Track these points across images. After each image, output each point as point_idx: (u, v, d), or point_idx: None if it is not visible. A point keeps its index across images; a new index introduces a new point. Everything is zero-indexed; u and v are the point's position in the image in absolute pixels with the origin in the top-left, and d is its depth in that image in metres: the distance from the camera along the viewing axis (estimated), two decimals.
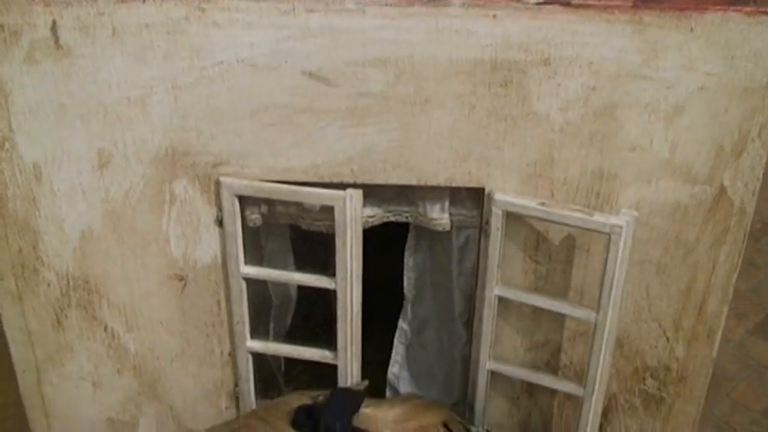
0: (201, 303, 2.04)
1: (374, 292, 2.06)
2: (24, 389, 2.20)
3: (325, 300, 2.15)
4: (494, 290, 1.95)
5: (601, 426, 2.15)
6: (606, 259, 1.83)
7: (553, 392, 2.15)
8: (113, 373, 2.15)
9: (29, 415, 2.25)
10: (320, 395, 1.89)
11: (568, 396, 2.13)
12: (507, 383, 2.14)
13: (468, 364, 2.15)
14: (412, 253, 2.15)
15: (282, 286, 2.24)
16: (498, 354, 2.07)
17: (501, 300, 1.98)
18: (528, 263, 1.97)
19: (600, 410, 2.05)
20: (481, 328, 2.01)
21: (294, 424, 1.81)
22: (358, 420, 1.82)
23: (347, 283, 1.93)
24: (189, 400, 2.18)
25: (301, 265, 2.21)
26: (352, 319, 1.97)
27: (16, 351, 2.14)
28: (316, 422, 1.79)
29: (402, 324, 2.25)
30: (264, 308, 2.25)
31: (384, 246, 2.14)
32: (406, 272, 2.16)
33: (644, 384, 2.11)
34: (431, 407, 1.94)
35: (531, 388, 2.14)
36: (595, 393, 1.98)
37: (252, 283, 2.05)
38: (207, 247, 1.97)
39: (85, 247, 1.98)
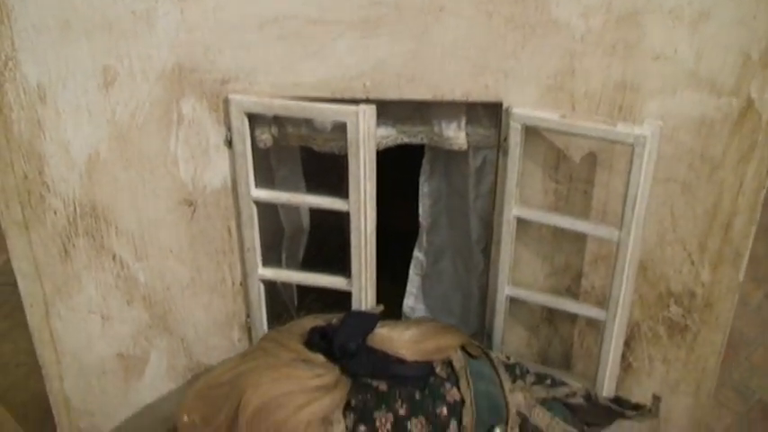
0: (211, 230, 1.99)
1: (387, 232, 2.02)
2: (33, 324, 2.16)
3: (339, 231, 2.09)
4: (512, 210, 1.89)
5: (623, 355, 2.09)
6: (630, 173, 1.76)
7: (574, 320, 2.09)
8: (123, 305, 2.10)
9: (38, 352, 2.20)
10: (334, 318, 1.84)
11: (590, 324, 2.07)
12: (526, 311, 2.08)
13: (485, 293, 2.09)
14: (427, 178, 2.09)
15: (294, 216, 2.19)
16: (517, 279, 2.01)
17: (520, 222, 1.92)
18: (548, 183, 1.90)
19: (622, 337, 1.99)
20: (499, 253, 1.95)
21: (308, 344, 1.75)
22: (373, 340, 1.76)
23: (360, 204, 1.87)
24: (200, 332, 2.13)
25: (313, 192, 2.15)
26: (366, 243, 1.91)
27: (24, 284, 2.09)
28: (330, 342, 1.73)
29: (417, 254, 2.19)
30: (276, 239, 2.20)
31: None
32: (421, 198, 2.10)
33: (668, 311, 2.05)
34: (449, 329, 1.88)
35: (551, 316, 2.08)
36: (618, 317, 1.91)
37: (263, 210, 1.99)
38: (216, 170, 1.92)
39: (92, 172, 1.93)
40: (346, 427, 1.66)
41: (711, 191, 1.88)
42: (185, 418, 1.72)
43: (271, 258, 2.13)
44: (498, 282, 1.98)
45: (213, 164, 1.90)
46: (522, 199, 1.90)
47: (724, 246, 1.95)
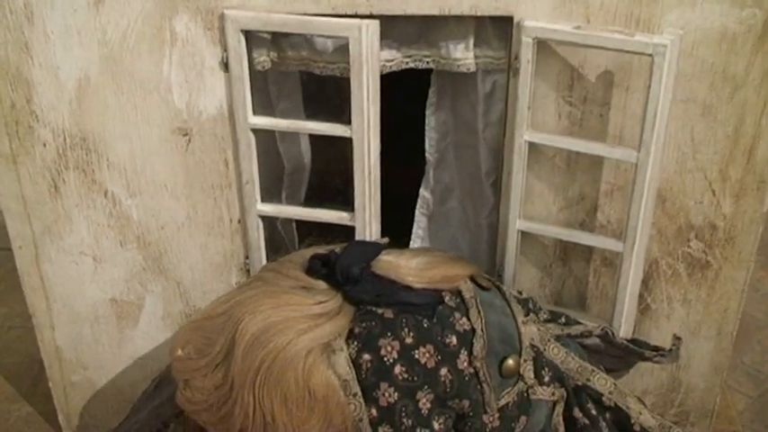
0: (208, 162, 1.89)
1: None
2: (22, 268, 2.06)
3: (342, 169, 2.00)
4: (524, 135, 1.79)
5: (641, 296, 1.99)
6: (649, 88, 1.66)
7: (588, 259, 1.99)
8: (116, 246, 2.01)
9: (28, 300, 2.11)
10: (337, 247, 1.73)
11: (605, 262, 1.97)
12: (539, 249, 1.98)
13: (495, 231, 1.99)
14: (434, 111, 1.99)
15: (295, 151, 2.09)
16: (529, 213, 1.91)
17: (532, 149, 1.82)
18: (561, 105, 1.81)
19: (640, 273, 1.89)
20: (510, 184, 1.85)
21: (308, 272, 1.65)
22: (378, 267, 1.65)
23: (364, 129, 1.77)
24: (197, 275, 2.03)
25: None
26: (370, 172, 1.82)
27: (12, 224, 2.00)
28: (332, 268, 1.63)
29: (424, 192, 2.09)
30: (277, 178, 2.10)
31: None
32: (427, 132, 2.01)
33: (688, 247, 1.95)
34: (458, 260, 1.77)
35: (564, 254, 1.98)
36: (636, 249, 1.81)
37: (262, 145, 1.90)
38: (212, 96, 1.82)
39: (82, 99, 1.84)
40: (349, 355, 1.56)
41: (733, 112, 1.79)
42: (179, 352, 1.61)
43: (271, 198, 2.03)
44: (509, 215, 1.88)
45: (209, 88, 1.81)
46: (534, 124, 1.80)
47: (746, 174, 1.85)
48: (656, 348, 1.91)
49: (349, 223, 1.89)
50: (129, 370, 2.17)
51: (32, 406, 2.46)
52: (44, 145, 1.89)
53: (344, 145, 1.85)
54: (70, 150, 1.89)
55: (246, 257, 1.99)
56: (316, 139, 2.08)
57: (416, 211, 2.12)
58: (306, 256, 1.69)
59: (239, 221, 1.95)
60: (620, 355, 1.90)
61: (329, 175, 2.23)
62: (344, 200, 1.93)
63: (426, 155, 2.03)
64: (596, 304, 2.01)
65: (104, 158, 1.90)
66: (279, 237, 2.15)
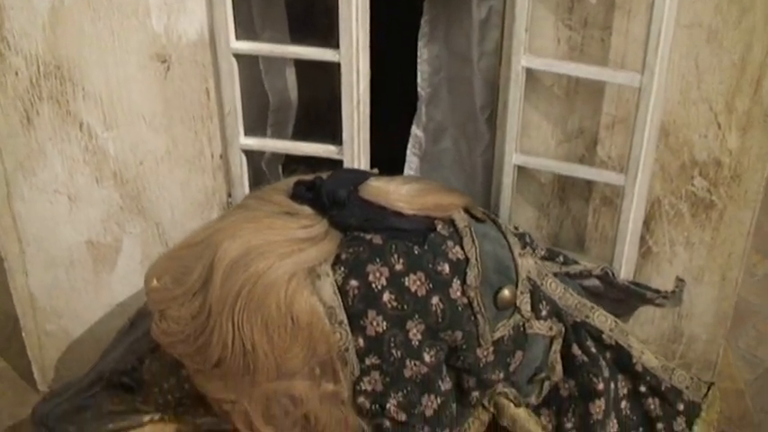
0: (188, 91, 1.80)
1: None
2: None
3: (330, 106, 1.90)
4: (521, 61, 1.70)
5: (642, 238, 1.91)
6: (652, 7, 1.57)
7: (588, 198, 1.90)
8: (92, 183, 1.91)
9: (0, 244, 2.01)
10: (323, 175, 1.63)
11: (605, 201, 1.89)
12: (536, 187, 1.89)
13: (490, 171, 1.90)
14: (426, 42, 1.90)
15: (281, 86, 2.00)
16: (526, 148, 1.82)
17: (529, 77, 1.74)
18: (561, 30, 1.72)
19: (642, 210, 1.80)
20: (506, 114, 1.76)
21: (293, 198, 1.55)
22: (366, 192, 1.56)
23: (352, 53, 1.68)
24: (177, 214, 1.94)
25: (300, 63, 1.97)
26: (359, 101, 1.73)
27: None
28: (317, 192, 1.54)
29: (416, 131, 2.00)
30: (261, 114, 2.01)
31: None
32: (419, 66, 1.92)
33: (692, 185, 1.86)
34: (452, 190, 1.69)
35: (562, 192, 1.90)
36: (638, 182, 1.73)
37: (245, 75, 1.81)
38: (192, 19, 1.73)
39: (56, 24, 1.74)
40: (335, 282, 1.47)
41: (740, 39, 1.70)
42: (154, 282, 1.52)
43: (255, 135, 1.93)
44: (505, 150, 1.80)
45: (189, 10, 1.72)
46: (532, 50, 1.71)
47: (753, 105, 1.77)
48: (657, 291, 1.82)
49: (337, 157, 1.80)
50: (106, 318, 2.07)
51: (6, 361, 2.36)
52: (16, 74, 1.79)
53: (333, 78, 1.76)
54: (44, 79, 1.79)
55: (229, 195, 1.90)
56: (302, 74, 1.99)
57: (408, 152, 2.03)
58: (290, 184, 1.60)
59: (221, 156, 1.86)
60: (621, 299, 1.82)
61: (316, 112, 2.13)
62: (332, 136, 1.84)
63: (419, 90, 1.94)
64: (595, 246, 1.93)
65: (80, 88, 1.80)
66: (264, 177, 2.05)
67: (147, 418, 1.70)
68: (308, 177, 1.61)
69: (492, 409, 1.68)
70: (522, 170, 1.84)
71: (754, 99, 1.76)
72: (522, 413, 1.68)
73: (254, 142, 1.84)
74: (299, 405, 1.48)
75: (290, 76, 1.99)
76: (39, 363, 2.17)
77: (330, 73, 1.74)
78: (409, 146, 2.02)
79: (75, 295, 2.06)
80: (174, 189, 1.90)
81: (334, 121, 1.82)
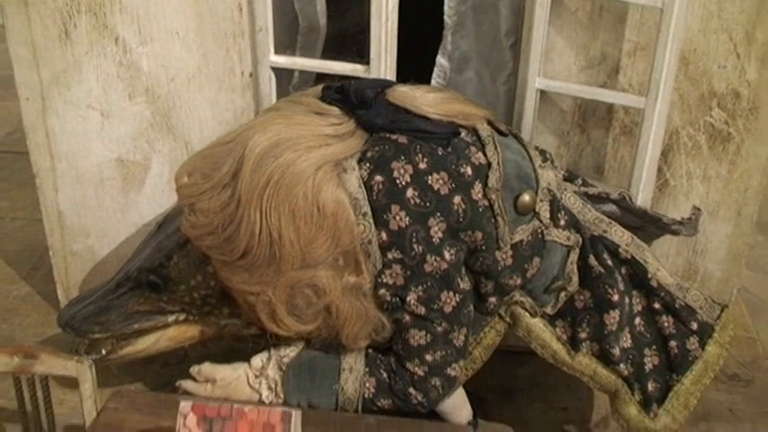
0: (221, 7, 1.85)
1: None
2: (28, 123, 2.02)
3: (359, 32, 1.95)
4: None
5: (660, 170, 1.94)
6: None
7: (608, 127, 1.94)
8: (124, 99, 1.97)
9: (32, 158, 2.06)
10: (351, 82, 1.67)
11: (625, 130, 1.93)
12: (557, 114, 1.93)
13: (512, 100, 1.94)
14: None
15: (311, 11, 2.04)
16: (549, 72, 1.86)
17: (555, 0, 1.77)
18: None
19: (661, 134, 1.84)
20: (531, 38, 1.81)
21: (323, 100, 1.60)
22: (393, 96, 1.60)
23: None
24: (206, 133, 1.98)
25: None
26: (387, 19, 1.78)
27: (21, 72, 1.96)
28: (346, 94, 1.58)
29: (441, 60, 2.04)
30: (291, 35, 2.06)
31: None
32: None
33: (710, 116, 1.89)
34: (477, 103, 1.72)
35: (583, 121, 1.94)
36: (658, 105, 1.76)
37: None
38: None
39: None
40: (361, 176, 1.51)
41: None
42: (185, 179, 1.57)
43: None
44: (528, 73, 1.84)
45: None
46: None
47: None
48: (674, 219, 1.86)
49: (363, 75, 1.84)
50: (132, 238, 2.11)
51: (31, 287, 2.42)
52: None
53: (361, 4, 1.80)
54: None
55: (257, 114, 1.94)
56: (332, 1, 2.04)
57: (432, 81, 2.07)
58: (319, 89, 1.65)
59: (251, 75, 1.91)
60: (637, 225, 1.85)
61: (344, 38, 2.18)
62: (360, 56, 1.88)
63: (445, 18, 1.98)
64: (614, 176, 1.96)
65: (117, 1, 1.86)
66: None
67: (171, 318, 1.74)
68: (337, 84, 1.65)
69: (508, 319, 1.72)
70: (543, 96, 1.88)
71: None
72: (537, 323, 1.72)
73: (283, 60, 1.88)
74: (321, 295, 1.52)
75: (320, 1, 2.04)
76: (63, 283, 2.22)
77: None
78: (434, 75, 2.06)
79: (103, 214, 2.11)
80: (203, 107, 1.95)
81: (361, 44, 1.87)
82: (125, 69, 1.93)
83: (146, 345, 1.78)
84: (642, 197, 1.89)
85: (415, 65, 1.98)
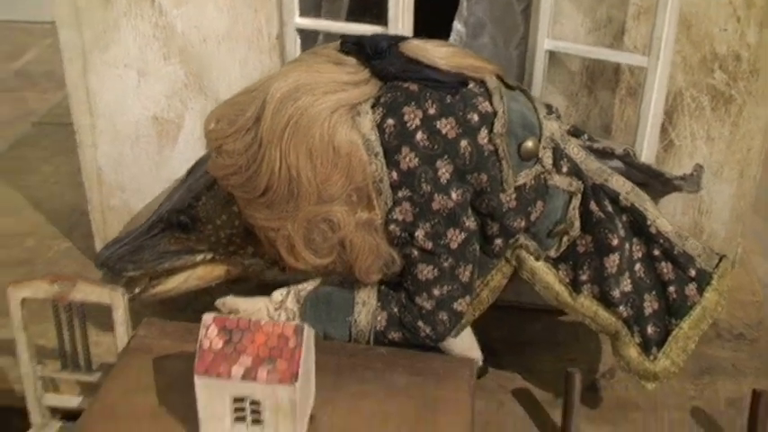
0: None
1: None
2: (70, 82, 2.17)
3: (380, 3, 2.07)
4: None
5: (665, 130, 2.04)
6: None
7: (614, 88, 2.04)
8: (159, 59, 2.11)
9: (74, 115, 2.21)
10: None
11: (630, 91, 2.03)
12: (566, 75, 2.04)
13: (524, 62, 2.05)
14: None
15: None
16: (558, 35, 1.97)
17: None
18: None
19: (664, 92, 1.94)
20: (540, 1, 1.91)
21: (341, 51, 1.72)
22: (406, 48, 1.72)
23: None
24: (235, 91, 2.09)
25: None
26: None
27: (64, 32, 2.11)
28: (362, 45, 1.70)
29: (457, 25, 2.16)
30: (316, 5, 2.18)
31: None
32: None
33: (712, 78, 1.99)
34: (487, 59, 1.82)
35: (591, 82, 2.04)
36: (660, 62, 1.86)
37: None
38: None
39: None
40: (374, 120, 1.63)
41: None
42: (213, 125, 1.70)
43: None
44: (538, 35, 1.95)
45: None
46: None
47: None
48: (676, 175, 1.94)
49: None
50: (166, 193, 2.24)
51: (71, 242, 2.56)
52: None
53: None
54: None
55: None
56: None
57: None
58: (338, 43, 1.77)
59: (277, 37, 2.04)
60: (641, 181, 1.93)
61: (367, 5, 2.30)
62: (379, 18, 1.99)
63: None
64: (620, 135, 2.06)
65: None
66: None
67: (199, 257, 1.87)
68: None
69: (514, 262, 1.82)
70: (552, 58, 1.98)
71: None
72: (540, 266, 1.82)
73: (308, 22, 2.01)
74: (336, 230, 1.63)
75: None
76: (101, 236, 2.36)
77: None
78: (450, 39, 2.17)
79: (139, 170, 2.25)
80: (232, 67, 2.09)
81: (381, 8, 1.99)
82: (160, 30, 2.07)
83: (176, 283, 1.92)
84: (646, 154, 1.98)
85: (433, 31, 2.09)
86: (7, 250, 2.51)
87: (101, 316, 1.81)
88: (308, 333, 1.45)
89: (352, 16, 2.24)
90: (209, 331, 1.44)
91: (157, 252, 1.87)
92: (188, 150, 2.20)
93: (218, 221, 1.81)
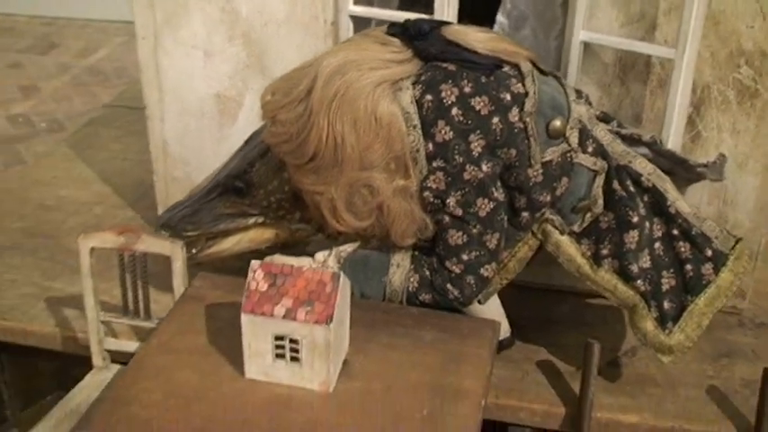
0: None
1: None
2: (142, 60, 2.37)
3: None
4: None
5: (692, 121, 2.15)
6: None
7: (645, 80, 2.16)
8: (224, 41, 2.29)
9: (144, 91, 2.41)
10: None
11: (661, 83, 2.14)
12: (599, 66, 2.17)
13: (561, 53, 2.19)
14: None
15: None
16: (593, 28, 2.10)
17: None
18: None
19: (690, 83, 2.04)
20: None
21: (387, 33, 1.88)
22: (447, 32, 1.87)
23: None
24: None
25: None
26: None
27: (139, 13, 2.31)
28: (406, 27, 1.86)
29: (500, 18, 2.31)
30: None
31: None
32: None
33: (738, 73, 2.10)
34: (523, 46, 1.96)
35: (623, 73, 2.16)
36: (686, 55, 1.98)
37: None
38: None
39: None
40: (413, 95, 1.78)
41: None
42: (268, 97, 1.87)
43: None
44: (574, 26, 2.08)
45: None
46: None
47: None
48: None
49: None
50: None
51: (136, 212, 2.77)
52: None
53: None
54: None
55: None
56: None
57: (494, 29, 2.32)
58: (385, 27, 1.93)
59: (332, 23, 2.21)
60: (667, 169, 2.05)
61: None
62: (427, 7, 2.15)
63: None
64: (650, 125, 2.18)
65: None
66: None
67: (251, 220, 2.05)
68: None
69: (540, 236, 1.96)
70: (587, 49, 2.12)
71: None
72: (565, 240, 1.95)
73: (360, 10, 2.18)
74: (375, 195, 1.79)
75: None
76: (164, 206, 2.55)
77: None
78: (495, 29, 2.32)
79: (201, 144, 2.44)
80: (290, 50, 2.26)
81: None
82: (226, 14, 2.25)
83: (229, 244, 2.10)
84: (672, 142, 2.10)
85: (477, 22, 2.24)
86: (77, 216, 2.73)
87: (160, 277, 2.00)
88: (344, 281, 1.61)
89: (404, 6, 2.40)
90: (256, 275, 1.61)
91: (214, 214, 2.06)
92: (247, 127, 2.37)
93: (270, 187, 1.99)
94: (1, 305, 2.35)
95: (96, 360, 2.05)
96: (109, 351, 2.06)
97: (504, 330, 2.16)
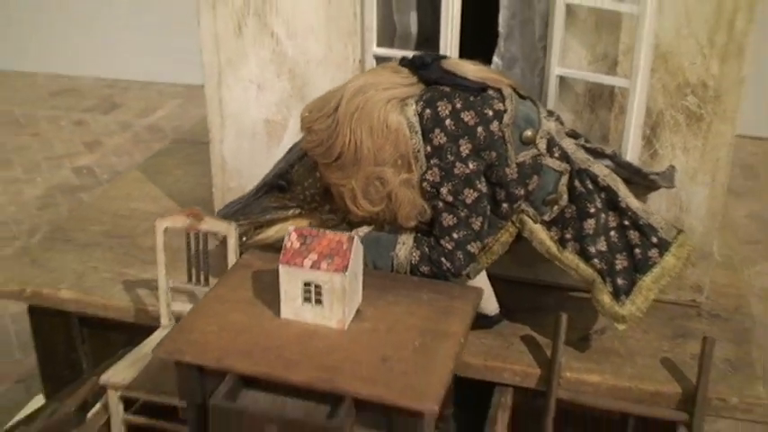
0: (343, 12, 2.73)
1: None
2: (209, 94, 2.94)
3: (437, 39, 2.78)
4: (564, 2, 2.53)
5: (650, 141, 2.64)
6: None
7: (611, 107, 2.67)
8: (274, 77, 2.86)
9: (209, 118, 2.98)
10: None
11: (622, 110, 2.65)
12: (573, 96, 2.68)
13: (542, 87, 2.71)
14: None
15: (405, 22, 2.90)
16: (566, 65, 2.63)
17: (569, 12, 2.56)
18: None
19: (643, 107, 2.54)
20: (553, 38, 2.59)
21: (399, 64, 2.43)
22: (446, 63, 2.40)
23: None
24: None
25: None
26: (452, 18, 2.60)
27: (207, 55, 2.89)
28: (413, 60, 2.41)
29: (495, 59, 2.84)
30: (389, 41, 2.92)
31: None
32: (501, 10, 2.77)
33: (686, 101, 2.59)
34: (506, 75, 2.50)
35: (592, 102, 2.68)
36: (638, 83, 2.49)
37: (381, 8, 2.72)
38: None
39: None
40: (416, 109, 2.32)
41: None
42: (306, 113, 2.42)
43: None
44: (551, 64, 2.61)
45: None
46: None
47: (729, 41, 2.50)
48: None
49: None
50: None
51: None
52: None
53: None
54: (252, 0, 2.78)
55: None
56: (422, 15, 2.89)
57: None
58: (398, 60, 2.48)
59: (360, 61, 2.77)
60: (626, 178, 2.54)
61: (428, 38, 3.01)
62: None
63: (499, 29, 2.79)
64: (614, 144, 2.67)
65: (274, 8, 2.77)
66: None
67: (290, 212, 2.58)
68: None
69: (518, 224, 2.46)
70: (562, 82, 2.64)
71: (730, 37, 2.49)
72: (537, 227, 2.45)
73: (382, 51, 2.74)
74: (386, 185, 2.32)
75: (413, 16, 2.89)
76: None
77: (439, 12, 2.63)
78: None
79: (252, 160, 2.99)
80: (325, 83, 2.81)
81: (437, 43, 2.70)
82: (276, 55, 2.83)
83: (272, 232, 2.62)
84: (631, 156, 2.59)
85: None
86: (147, 222, 3.27)
87: (216, 257, 2.52)
88: (357, 242, 2.12)
89: (419, 48, 2.96)
90: (291, 236, 2.13)
91: (261, 207, 2.60)
92: (290, 145, 2.92)
93: (306, 183, 2.53)
94: (85, 286, 2.90)
95: (164, 320, 2.58)
96: (173, 313, 2.58)
97: (494, 308, 2.64)
